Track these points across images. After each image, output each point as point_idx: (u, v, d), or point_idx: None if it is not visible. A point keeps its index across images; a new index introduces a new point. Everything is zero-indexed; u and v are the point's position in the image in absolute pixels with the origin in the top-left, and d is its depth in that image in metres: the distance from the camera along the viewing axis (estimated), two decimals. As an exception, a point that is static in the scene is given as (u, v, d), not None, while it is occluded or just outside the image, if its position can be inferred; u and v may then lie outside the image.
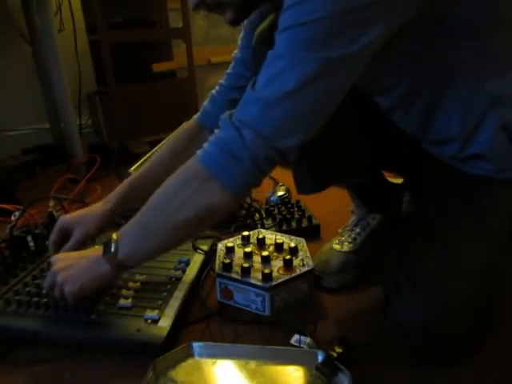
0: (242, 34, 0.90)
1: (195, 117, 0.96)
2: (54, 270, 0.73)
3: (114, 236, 0.69)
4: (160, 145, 1.36)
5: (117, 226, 1.12)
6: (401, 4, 0.55)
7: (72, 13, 1.79)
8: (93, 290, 0.73)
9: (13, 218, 1.11)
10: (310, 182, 0.87)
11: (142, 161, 1.30)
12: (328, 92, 0.57)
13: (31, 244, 0.96)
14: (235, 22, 0.69)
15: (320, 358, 0.64)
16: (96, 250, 0.73)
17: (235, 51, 0.92)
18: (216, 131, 0.63)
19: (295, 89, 0.55)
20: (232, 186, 0.62)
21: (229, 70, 0.92)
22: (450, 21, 0.61)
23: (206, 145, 0.63)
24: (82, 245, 0.84)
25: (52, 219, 1.13)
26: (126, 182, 0.90)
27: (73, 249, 0.82)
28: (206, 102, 0.95)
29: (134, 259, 0.70)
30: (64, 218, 0.86)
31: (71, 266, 0.72)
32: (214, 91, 0.94)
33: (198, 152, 0.64)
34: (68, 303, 0.73)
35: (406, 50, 0.63)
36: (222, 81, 0.93)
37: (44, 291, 0.78)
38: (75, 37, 1.81)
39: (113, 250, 0.68)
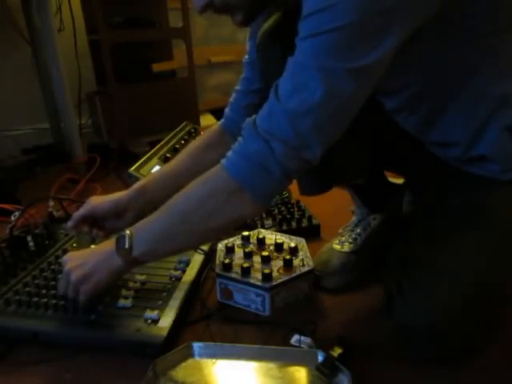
0: (248, 37, 0.89)
1: (219, 123, 0.96)
2: (66, 270, 0.72)
3: (128, 232, 0.68)
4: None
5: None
6: (421, 5, 0.55)
7: (72, 13, 1.79)
8: (108, 285, 0.73)
9: (13, 218, 1.11)
10: (312, 183, 0.87)
11: (141, 161, 1.30)
12: (354, 99, 0.58)
13: (31, 244, 0.96)
14: (245, 24, 0.69)
15: (320, 358, 0.64)
16: (107, 245, 0.72)
17: (245, 56, 0.91)
18: (240, 140, 0.63)
19: (324, 100, 0.55)
20: (263, 197, 0.63)
21: (242, 75, 0.92)
22: (465, 21, 0.61)
23: (231, 154, 0.63)
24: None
25: (52, 219, 1.13)
26: (147, 183, 0.88)
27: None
28: (226, 109, 0.95)
29: (149, 257, 0.71)
30: (99, 207, 0.85)
31: (83, 264, 0.71)
32: (231, 98, 0.94)
33: (224, 162, 0.64)
34: (77, 302, 0.72)
35: (419, 51, 0.63)
36: (237, 87, 0.93)
37: (47, 291, 0.78)
38: (75, 37, 1.81)
39: (127, 246, 0.68)
